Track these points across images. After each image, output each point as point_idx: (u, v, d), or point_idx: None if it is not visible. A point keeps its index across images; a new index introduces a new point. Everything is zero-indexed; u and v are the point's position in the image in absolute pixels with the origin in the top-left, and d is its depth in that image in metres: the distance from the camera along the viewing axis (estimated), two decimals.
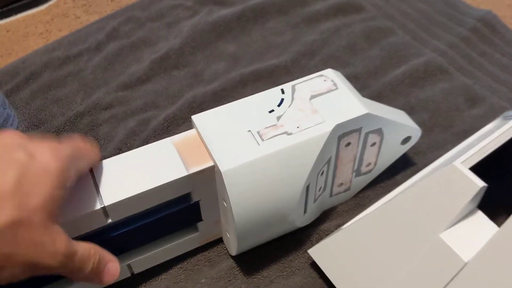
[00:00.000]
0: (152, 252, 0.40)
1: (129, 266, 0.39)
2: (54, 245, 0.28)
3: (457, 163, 0.31)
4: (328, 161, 0.39)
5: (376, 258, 0.36)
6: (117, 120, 0.52)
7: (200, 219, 0.40)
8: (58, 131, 0.51)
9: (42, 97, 0.55)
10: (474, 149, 0.33)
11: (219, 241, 0.43)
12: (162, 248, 0.40)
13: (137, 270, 0.40)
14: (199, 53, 0.58)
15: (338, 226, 0.43)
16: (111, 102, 0.54)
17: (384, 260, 0.35)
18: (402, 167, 0.47)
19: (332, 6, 0.61)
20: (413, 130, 0.43)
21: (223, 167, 0.34)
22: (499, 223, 0.32)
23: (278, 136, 0.36)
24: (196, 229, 0.41)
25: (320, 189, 0.41)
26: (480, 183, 0.31)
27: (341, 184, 0.43)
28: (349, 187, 0.44)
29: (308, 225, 0.44)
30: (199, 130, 0.37)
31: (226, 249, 0.42)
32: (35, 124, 0.52)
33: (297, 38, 0.59)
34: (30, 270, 0.27)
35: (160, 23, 0.62)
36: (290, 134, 0.36)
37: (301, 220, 0.41)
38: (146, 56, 0.58)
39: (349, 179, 0.43)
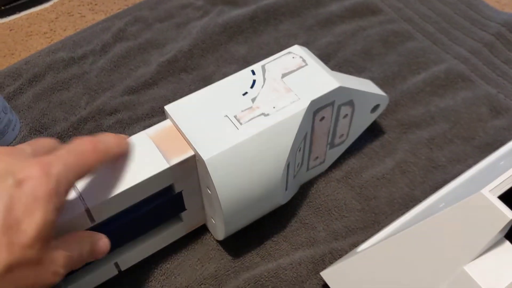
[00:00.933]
0: (138, 247, 0.39)
1: (116, 264, 0.38)
2: (54, 264, 0.27)
3: (485, 191, 0.29)
4: (305, 137, 0.40)
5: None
6: (122, 126, 0.50)
7: (184, 209, 0.39)
8: (61, 137, 0.49)
9: (45, 101, 0.53)
10: (504, 175, 0.30)
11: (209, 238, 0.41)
12: (147, 242, 0.39)
13: (124, 267, 0.39)
14: (209, 56, 0.56)
15: (352, 245, 0.41)
16: (116, 106, 0.52)
17: None
18: (420, 181, 0.45)
19: (348, 7, 0.59)
20: (382, 98, 0.44)
21: (205, 156, 0.34)
22: None
23: (255, 118, 0.36)
24: (180, 219, 0.40)
25: (298, 165, 0.41)
26: (510, 215, 0.28)
27: (317, 157, 0.44)
28: (324, 160, 0.45)
29: (320, 243, 0.41)
30: (175, 120, 0.36)
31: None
32: (37, 129, 0.50)
33: (311, 41, 0.56)
34: None
35: (169, 24, 0.59)
36: (267, 115, 0.36)
37: (283, 197, 0.41)
38: (154, 59, 0.56)
39: (323, 152, 0.44)
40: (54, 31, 0.61)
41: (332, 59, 0.54)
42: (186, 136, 0.35)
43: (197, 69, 0.55)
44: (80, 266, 0.31)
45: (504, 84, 0.51)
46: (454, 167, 0.45)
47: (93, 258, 0.31)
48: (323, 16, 0.58)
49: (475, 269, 0.30)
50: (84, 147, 0.30)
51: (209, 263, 0.41)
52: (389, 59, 0.54)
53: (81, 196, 0.32)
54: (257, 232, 0.42)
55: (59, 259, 0.28)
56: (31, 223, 0.25)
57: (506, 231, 0.30)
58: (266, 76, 0.39)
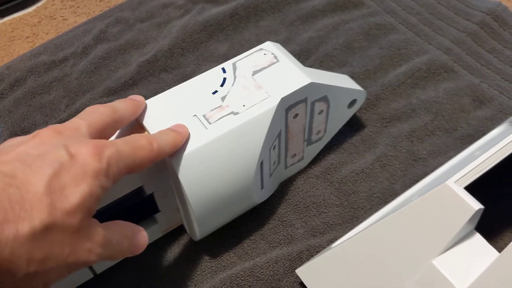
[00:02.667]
0: None
1: (90, 267, 0.38)
2: (91, 241, 0.26)
3: (451, 182, 0.28)
4: (279, 135, 0.39)
5: (366, 282, 0.33)
6: None
7: (157, 211, 0.39)
8: None
9: (25, 105, 0.52)
10: (471, 165, 0.29)
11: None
12: None
13: (99, 270, 0.39)
14: (189, 54, 0.55)
15: (330, 241, 0.40)
16: None
17: (374, 285, 0.32)
18: (401, 175, 0.44)
19: (330, 1, 0.58)
20: (358, 93, 0.43)
21: (172, 157, 0.33)
22: (500, 247, 0.29)
23: (225, 117, 0.35)
24: (154, 221, 0.40)
25: (274, 163, 0.40)
26: (476, 206, 0.27)
27: (294, 155, 0.43)
28: (303, 157, 0.44)
29: (298, 240, 0.41)
30: (141, 120, 0.36)
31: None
32: (18, 134, 0.50)
33: (292, 36, 0.56)
34: (67, 271, 0.26)
35: (150, 24, 0.59)
36: (237, 113, 0.36)
37: (260, 196, 0.40)
38: (134, 59, 0.55)
39: (301, 149, 0.43)
40: (37, 35, 0.61)
41: (313, 54, 0.54)
42: None
43: (177, 68, 0.54)
44: (116, 258, 0.29)
45: (488, 73, 0.50)
46: (435, 160, 0.44)
47: (131, 251, 0.30)
48: (304, 11, 0.58)
49: (444, 262, 0.29)
50: (140, 143, 0.30)
51: (185, 264, 0.40)
52: (370, 52, 0.53)
53: None
54: (234, 231, 0.42)
55: (98, 236, 0.27)
56: (76, 191, 0.25)
57: (475, 223, 0.29)
58: (236, 74, 0.38)
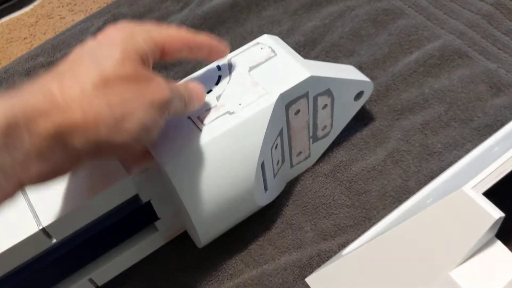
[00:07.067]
0: (112, 261, 0.37)
1: (91, 280, 0.37)
2: (156, 82, 0.28)
3: (468, 188, 0.26)
4: (280, 133, 0.37)
5: None
6: None
7: (157, 218, 0.37)
8: None
9: None
10: (490, 168, 0.27)
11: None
12: (122, 255, 0.37)
13: (100, 282, 0.38)
14: None
15: (342, 245, 0.38)
16: None
17: None
18: (415, 172, 0.41)
19: None
20: (365, 84, 0.41)
21: (166, 162, 0.32)
22: None
23: (220, 117, 0.34)
24: (155, 229, 0.38)
25: (278, 162, 0.38)
26: (496, 214, 0.25)
27: (300, 152, 0.41)
28: (309, 154, 0.42)
29: (308, 245, 0.39)
30: None
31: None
32: None
33: (296, 26, 0.53)
34: (155, 110, 0.27)
35: (148, 19, 0.57)
36: (233, 113, 0.34)
37: (264, 198, 0.38)
38: None
39: (307, 146, 0.41)
40: (34, 35, 0.60)
41: (318, 44, 0.51)
42: None
43: (177, 65, 0.52)
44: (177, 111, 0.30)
45: (505, 57, 0.47)
46: (451, 153, 0.42)
47: (191, 103, 0.32)
48: None
49: (462, 274, 0.27)
50: (174, 32, 0.32)
51: (191, 273, 0.39)
52: (379, 39, 0.50)
53: (36, 214, 0.31)
54: (240, 236, 0.40)
55: (160, 79, 0.28)
56: (113, 52, 0.27)
57: (495, 230, 0.27)
58: (232, 71, 0.36)
